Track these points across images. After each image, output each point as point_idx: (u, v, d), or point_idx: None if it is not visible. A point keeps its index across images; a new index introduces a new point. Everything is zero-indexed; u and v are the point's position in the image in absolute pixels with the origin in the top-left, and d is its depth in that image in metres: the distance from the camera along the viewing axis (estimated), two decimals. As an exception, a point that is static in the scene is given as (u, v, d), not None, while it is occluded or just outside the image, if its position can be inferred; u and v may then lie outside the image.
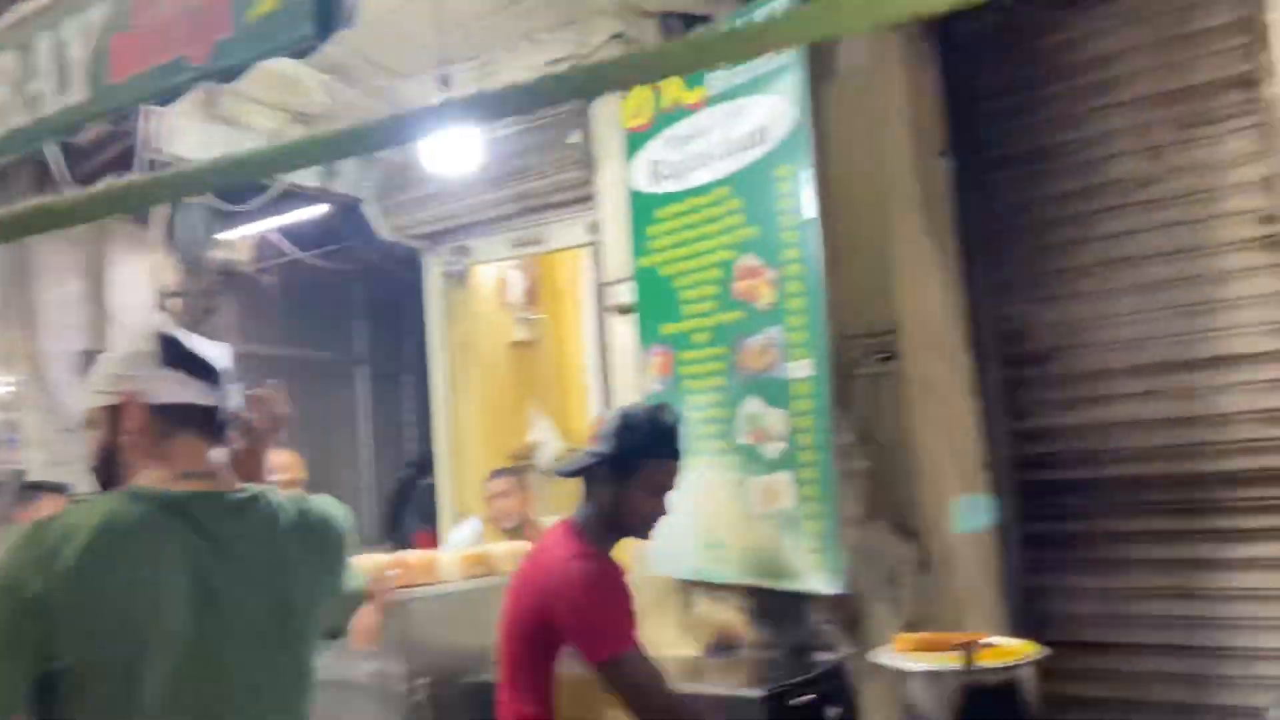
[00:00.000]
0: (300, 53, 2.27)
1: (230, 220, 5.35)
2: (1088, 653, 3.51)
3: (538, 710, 2.19)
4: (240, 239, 5.52)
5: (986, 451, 3.73)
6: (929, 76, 3.81)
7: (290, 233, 5.75)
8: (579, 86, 0.74)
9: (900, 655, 2.55)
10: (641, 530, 2.32)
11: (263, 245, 5.76)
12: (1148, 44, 3.45)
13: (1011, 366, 3.77)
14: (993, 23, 3.75)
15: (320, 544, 1.61)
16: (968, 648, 2.42)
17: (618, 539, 2.32)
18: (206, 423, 1.56)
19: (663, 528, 2.33)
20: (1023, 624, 3.60)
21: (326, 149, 0.68)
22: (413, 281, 5.94)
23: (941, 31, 3.84)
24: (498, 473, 4.48)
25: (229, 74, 2.41)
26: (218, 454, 1.57)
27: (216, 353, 1.64)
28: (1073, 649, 3.33)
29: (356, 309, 7.49)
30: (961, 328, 3.74)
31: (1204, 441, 3.37)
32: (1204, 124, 3.35)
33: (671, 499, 2.29)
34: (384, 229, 5.26)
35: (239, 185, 4.45)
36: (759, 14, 3.38)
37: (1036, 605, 3.68)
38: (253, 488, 1.58)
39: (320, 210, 5.49)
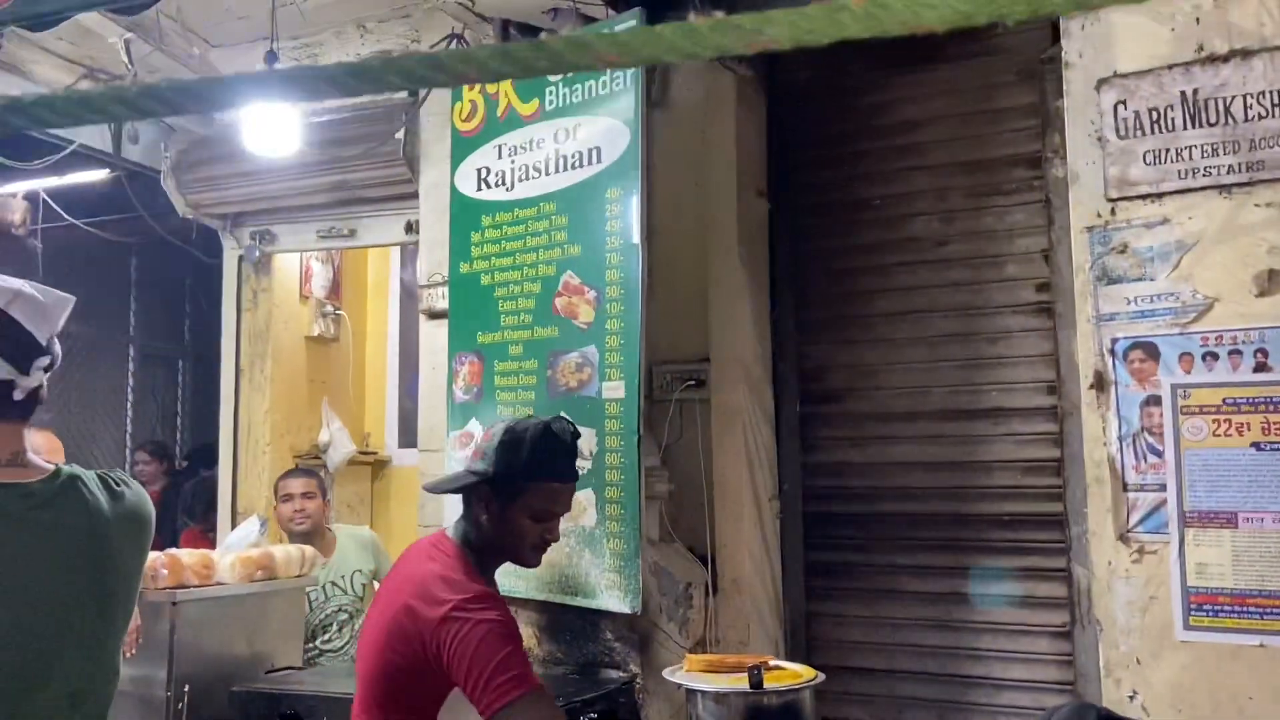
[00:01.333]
0: (127, 10, 2.10)
1: (4, 175, 4.87)
2: (854, 677, 3.72)
3: None
4: (14, 197, 5.02)
5: (778, 481, 3.90)
6: (755, 119, 3.98)
7: (70, 196, 5.29)
8: (410, 73, 0.69)
9: (690, 675, 2.61)
10: (528, 557, 2.14)
11: (38, 206, 5.27)
12: (952, 115, 3.74)
13: (807, 403, 3.97)
14: (817, 76, 3.96)
15: (137, 532, 1.49)
16: (755, 670, 2.51)
17: (500, 562, 2.15)
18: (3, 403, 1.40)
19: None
20: (800, 647, 3.78)
21: (123, 104, 0.61)
22: (200, 262, 5.60)
23: (769, 78, 4.02)
24: (295, 471, 4.24)
25: (40, 22, 2.19)
26: (18, 437, 1.40)
27: (31, 311, 1.44)
28: (841, 673, 3.52)
29: (134, 285, 6.98)
30: (766, 362, 3.90)
31: (972, 486, 3.66)
32: (995, 194, 3.66)
33: (559, 523, 2.12)
34: (181, 205, 4.93)
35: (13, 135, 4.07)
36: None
37: (813, 630, 3.87)
38: (64, 471, 1.42)
39: (104, 175, 5.08)
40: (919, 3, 0.43)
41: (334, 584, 3.90)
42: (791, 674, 2.62)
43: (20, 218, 4.94)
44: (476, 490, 2.08)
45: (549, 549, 2.21)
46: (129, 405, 7.02)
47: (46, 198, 5.26)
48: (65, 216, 5.27)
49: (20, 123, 0.65)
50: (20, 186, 5.14)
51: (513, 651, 1.92)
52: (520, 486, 2.05)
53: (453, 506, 2.46)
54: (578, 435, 2.17)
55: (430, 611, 1.92)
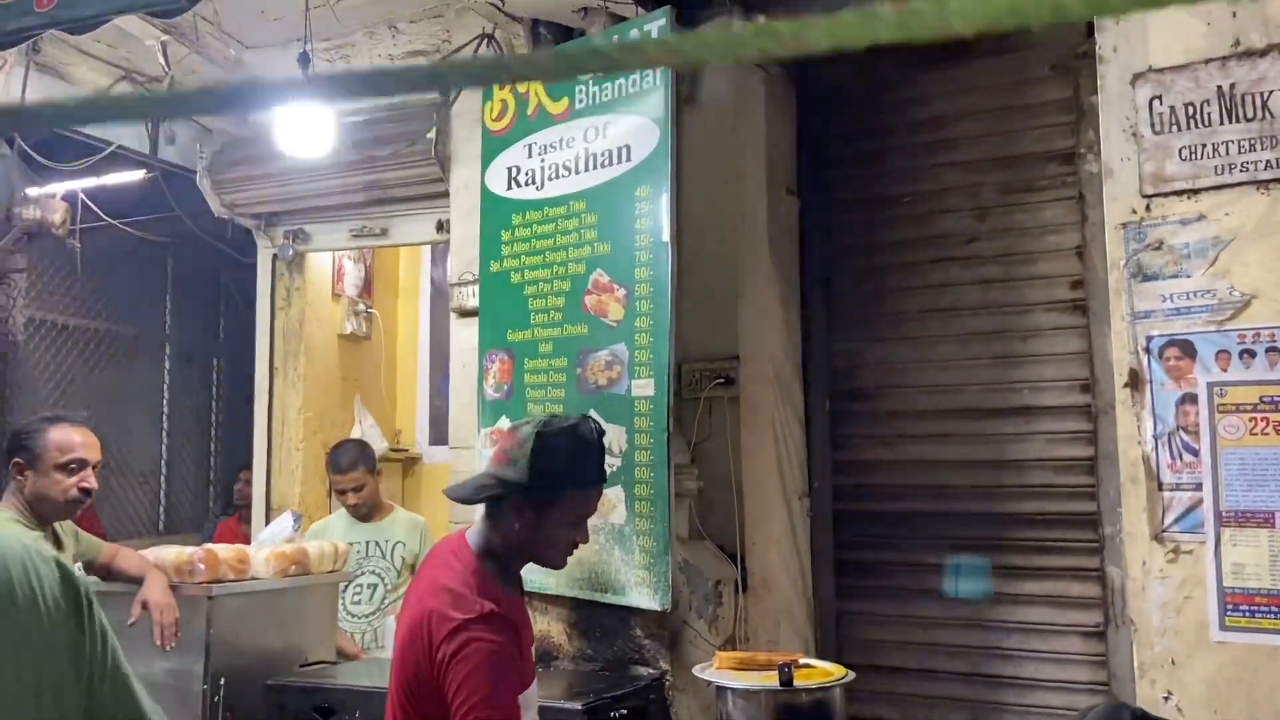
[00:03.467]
0: (164, 13, 2.13)
1: (45, 176, 4.96)
2: (884, 675, 3.70)
3: None
4: (54, 198, 5.11)
5: (808, 480, 3.90)
6: (785, 117, 3.97)
7: (108, 197, 5.37)
8: (478, 74, 0.69)
9: (720, 672, 2.62)
10: (556, 559, 2.09)
11: (77, 207, 5.36)
12: (984, 111, 3.71)
13: (837, 400, 3.96)
14: (847, 73, 3.94)
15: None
16: (786, 668, 2.51)
17: (523, 564, 2.11)
18: None
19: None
20: (830, 646, 3.77)
21: (160, 106, 0.63)
22: (235, 261, 5.67)
23: (799, 76, 4.01)
24: (343, 451, 4.14)
25: (80, 25, 2.22)
26: None
27: None
28: (872, 671, 3.51)
29: (169, 284, 7.07)
30: (795, 360, 3.89)
31: (1004, 484, 3.63)
32: (1027, 190, 3.63)
33: (585, 528, 2.07)
34: (216, 204, 5.00)
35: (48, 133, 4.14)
36: (630, 33, 3.43)
37: (843, 628, 3.86)
38: None
39: (141, 176, 5.16)
40: (948, 11, 0.46)
41: (376, 544, 3.96)
42: (821, 672, 2.62)
43: (60, 218, 5.02)
44: (510, 500, 2.00)
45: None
46: (165, 403, 7.12)
47: (85, 198, 5.34)
48: (103, 217, 5.35)
49: (60, 121, 0.66)
50: (60, 188, 5.23)
51: (497, 689, 1.91)
52: (557, 495, 2.00)
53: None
54: (604, 434, 2.13)
55: (440, 627, 1.94)
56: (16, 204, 4.90)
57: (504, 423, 3.63)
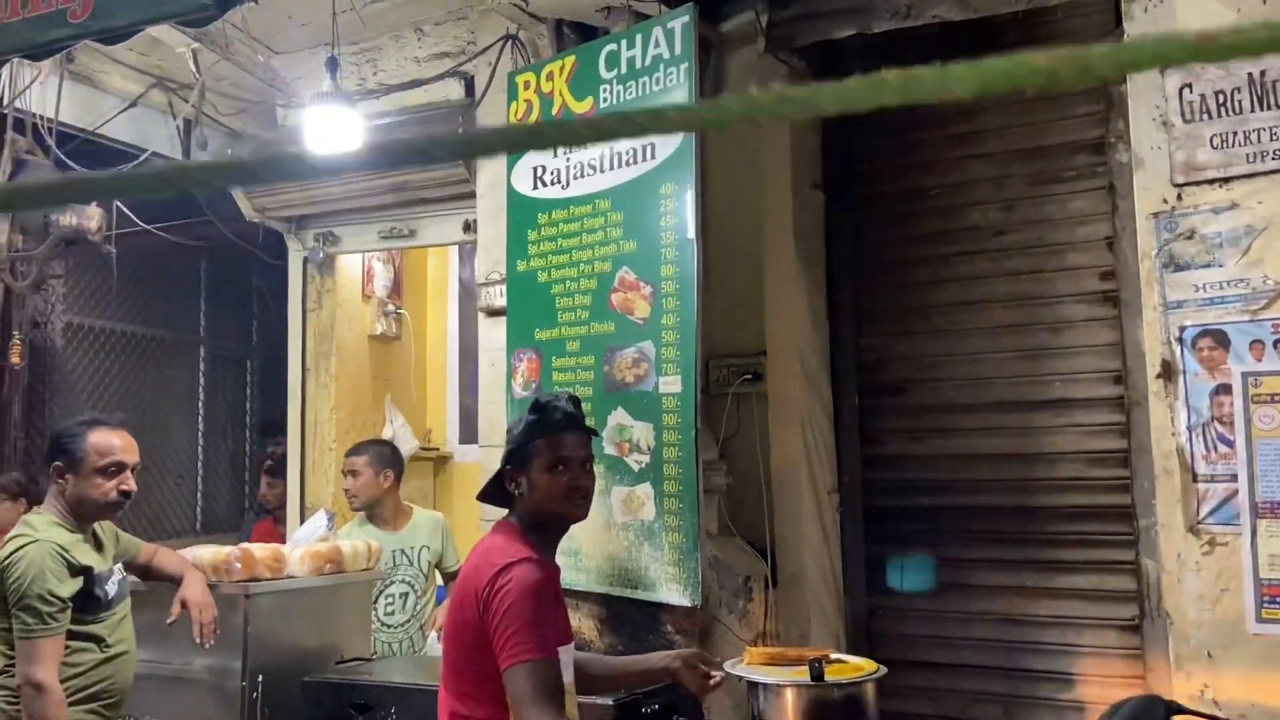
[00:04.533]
0: (195, 22, 2.16)
1: (79, 184, 5.03)
2: (917, 671, 3.69)
3: (485, 712, 2.15)
4: (90, 205, 5.20)
5: (837, 475, 3.89)
6: (810, 111, 3.95)
7: (143, 203, 5.45)
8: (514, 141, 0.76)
9: (751, 668, 2.62)
10: (568, 509, 2.29)
11: (113, 213, 5.45)
12: (1011, 102, 3.68)
13: (866, 395, 3.95)
14: (872, 66, 3.91)
15: None
16: (817, 663, 2.51)
17: (555, 531, 2.33)
18: None
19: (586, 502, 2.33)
20: (862, 641, 3.76)
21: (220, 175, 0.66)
22: (267, 264, 5.74)
23: (824, 69, 4.00)
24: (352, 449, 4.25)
25: (113, 35, 2.26)
26: None
27: None
28: (904, 667, 3.49)
29: (203, 288, 7.16)
30: (823, 355, 3.89)
31: (1035, 478, 3.61)
32: (1056, 182, 3.60)
33: (586, 474, 2.30)
34: (247, 208, 5.06)
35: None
36: (653, 31, 3.43)
37: (875, 623, 3.85)
38: None
39: (177, 182, 5.23)
40: (947, 77, 0.53)
41: (402, 552, 3.98)
42: (853, 667, 2.62)
43: (96, 225, 5.10)
44: (505, 473, 2.29)
45: (592, 526, 2.54)
46: (200, 405, 7.21)
47: (120, 205, 5.43)
48: (138, 222, 5.43)
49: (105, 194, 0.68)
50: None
51: (539, 618, 2.11)
52: (529, 450, 2.26)
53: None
54: (576, 399, 2.38)
55: (485, 575, 2.15)
56: (54, 211, 4.98)
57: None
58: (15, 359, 5.40)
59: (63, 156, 4.64)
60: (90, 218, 4.89)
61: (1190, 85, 2.63)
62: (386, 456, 4.07)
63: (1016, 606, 3.61)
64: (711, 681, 2.49)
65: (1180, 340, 2.61)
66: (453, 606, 2.29)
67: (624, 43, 3.51)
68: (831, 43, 3.73)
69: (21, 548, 2.68)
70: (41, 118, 4.52)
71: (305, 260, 5.22)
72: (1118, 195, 3.38)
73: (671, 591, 3.21)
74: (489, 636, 2.11)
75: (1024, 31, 3.61)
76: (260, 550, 3.38)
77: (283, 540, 4.58)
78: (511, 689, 2.09)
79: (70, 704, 2.67)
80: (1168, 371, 2.62)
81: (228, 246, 5.71)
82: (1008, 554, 3.64)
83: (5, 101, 4.35)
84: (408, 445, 5.48)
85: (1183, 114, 2.64)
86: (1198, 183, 2.61)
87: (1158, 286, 2.65)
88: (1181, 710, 1.90)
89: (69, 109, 4.56)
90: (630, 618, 3.38)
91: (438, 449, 6.01)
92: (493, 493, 2.36)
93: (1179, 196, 2.63)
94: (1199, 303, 2.60)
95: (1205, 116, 2.61)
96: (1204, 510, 2.57)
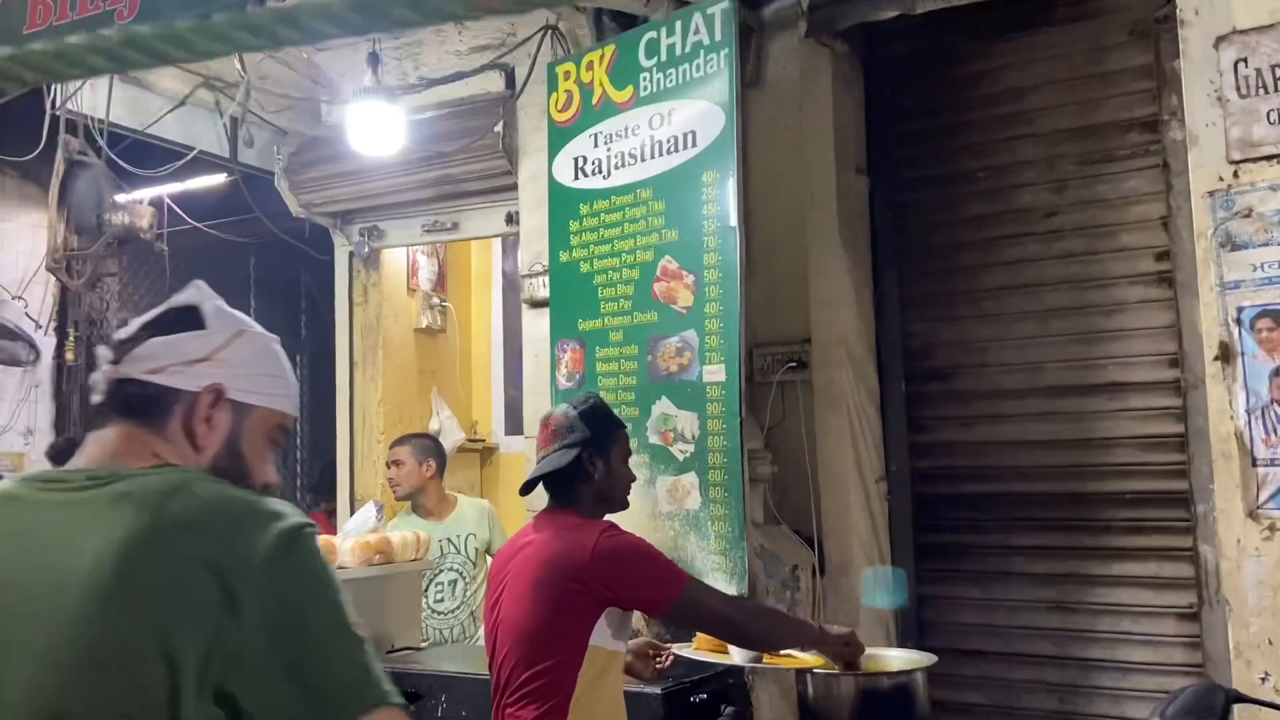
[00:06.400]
0: (236, 18, 2.17)
1: (132, 183, 5.14)
2: (968, 660, 3.65)
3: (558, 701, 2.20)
4: (141, 204, 5.30)
5: (885, 463, 3.85)
6: (853, 95, 3.91)
7: (192, 201, 5.55)
8: None
9: (775, 658, 2.61)
10: (625, 500, 2.46)
11: (163, 212, 5.55)
12: (1060, 80, 3.61)
13: (913, 382, 3.90)
14: (917, 47, 3.87)
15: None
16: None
17: (605, 515, 2.42)
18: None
19: None
20: (911, 630, 3.73)
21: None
22: (314, 259, 5.80)
23: (866, 52, 3.95)
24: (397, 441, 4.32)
25: (157, 33, 2.29)
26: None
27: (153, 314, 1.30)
28: (953, 656, 3.45)
29: (253, 284, 7.27)
30: (869, 341, 3.84)
31: (1088, 464, 3.54)
32: (1108, 161, 3.51)
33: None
34: (294, 205, 5.12)
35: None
36: (693, 18, 3.40)
37: (924, 613, 3.81)
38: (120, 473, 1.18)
39: (223, 180, 5.31)
40: None
41: (449, 540, 4.03)
42: (881, 661, 2.58)
43: (148, 223, 5.20)
44: (583, 454, 2.35)
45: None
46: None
47: (170, 203, 5.52)
48: (188, 220, 5.52)
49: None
50: (146, 194, 5.42)
51: (663, 556, 2.33)
52: (614, 437, 2.41)
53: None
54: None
55: (584, 544, 2.23)
56: (106, 210, 5.09)
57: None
58: (71, 356, 5.53)
59: (114, 156, 4.73)
60: (141, 216, 4.99)
61: (1246, 59, 2.56)
62: (428, 447, 4.14)
63: (1070, 595, 3.55)
64: (658, 665, 2.61)
65: (1238, 321, 2.54)
66: (526, 594, 2.28)
67: (664, 30, 3.48)
68: (874, 25, 3.68)
69: None
70: (92, 119, 4.61)
71: (351, 255, 5.27)
72: (1172, 174, 3.30)
73: (718, 581, 3.20)
74: (612, 596, 2.21)
75: (1071, 8, 3.54)
76: (311, 542, 3.42)
77: (333, 532, 4.65)
78: (692, 614, 2.33)
79: None
80: (1225, 353, 2.56)
81: (276, 243, 5.79)
82: (1061, 541, 3.58)
83: (58, 103, 4.44)
84: (454, 437, 5.52)
85: (1238, 89, 2.57)
86: (1254, 159, 2.54)
87: (1214, 266, 2.58)
88: (1242, 698, 1.85)
89: (119, 110, 4.64)
90: (677, 607, 3.37)
91: (483, 440, 6.04)
92: (554, 477, 2.39)
93: (1235, 174, 2.56)
94: (1257, 282, 2.53)
95: (1262, 91, 2.53)
96: (1263, 495, 2.50)
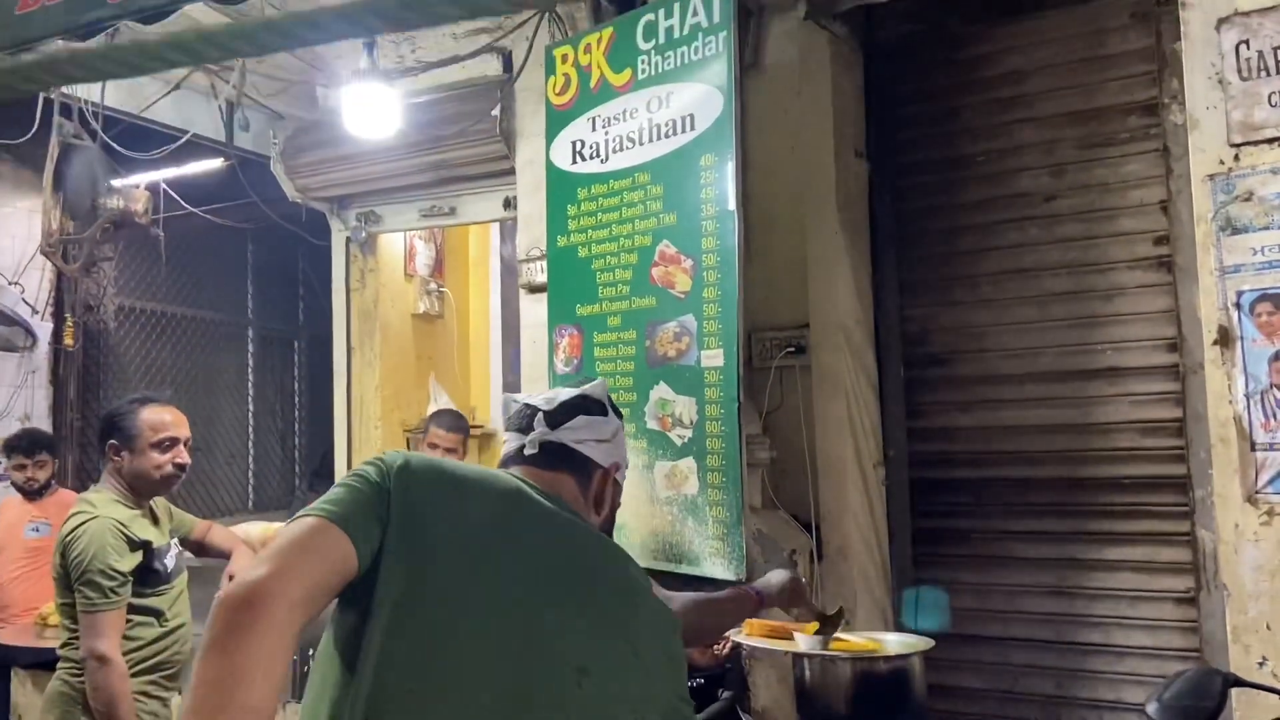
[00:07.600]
0: (233, 0, 2.16)
1: (127, 167, 5.11)
2: (966, 644, 3.65)
3: None
4: (136, 188, 5.27)
5: (883, 448, 3.84)
6: (852, 78, 3.89)
7: (188, 186, 5.52)
8: None
9: (749, 639, 2.58)
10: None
11: (159, 196, 5.52)
12: (1060, 64, 3.59)
13: (911, 367, 3.89)
14: (915, 31, 3.84)
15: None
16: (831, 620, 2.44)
17: None
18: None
19: None
20: (909, 613, 3.73)
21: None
22: (311, 244, 5.79)
23: (865, 35, 3.92)
24: (447, 419, 4.14)
25: (150, 14, 2.27)
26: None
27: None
28: (951, 640, 3.46)
29: (250, 269, 7.26)
30: (867, 326, 3.83)
31: (1087, 448, 3.54)
32: (1108, 145, 3.50)
33: None
34: (290, 189, 5.09)
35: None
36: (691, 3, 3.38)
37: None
38: None
39: (219, 164, 5.29)
40: None
41: None
42: (850, 645, 2.53)
43: (143, 207, 5.18)
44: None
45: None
46: (250, 385, 7.32)
47: (166, 187, 5.50)
48: (184, 205, 5.50)
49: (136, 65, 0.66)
50: (142, 178, 5.39)
51: None
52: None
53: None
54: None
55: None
56: (101, 195, 5.06)
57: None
58: (69, 341, 5.51)
59: (109, 140, 4.70)
60: (137, 200, 4.96)
61: (1247, 41, 2.54)
62: (467, 429, 4.13)
63: (1068, 579, 3.55)
64: (716, 652, 2.56)
65: (1238, 305, 2.53)
66: None
67: (661, 12, 3.46)
68: (873, 7, 3.66)
69: (83, 524, 2.74)
70: (87, 102, 4.58)
71: (348, 240, 5.25)
72: (1172, 158, 3.28)
73: (716, 565, 3.20)
74: None
75: (1073, -10, 3.51)
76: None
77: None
78: None
79: (132, 676, 2.73)
80: (1224, 338, 2.55)
81: (273, 229, 5.78)
82: (1059, 526, 3.58)
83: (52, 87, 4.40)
84: (452, 422, 5.51)
85: (1240, 71, 2.55)
86: (1255, 142, 2.52)
87: (1214, 250, 2.57)
88: (1239, 683, 1.85)
89: (114, 94, 4.62)
90: (675, 591, 3.37)
91: (481, 426, 6.04)
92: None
93: (1236, 157, 2.55)
94: (1257, 266, 2.52)
95: (1263, 74, 2.52)
96: (1262, 479, 2.50)
